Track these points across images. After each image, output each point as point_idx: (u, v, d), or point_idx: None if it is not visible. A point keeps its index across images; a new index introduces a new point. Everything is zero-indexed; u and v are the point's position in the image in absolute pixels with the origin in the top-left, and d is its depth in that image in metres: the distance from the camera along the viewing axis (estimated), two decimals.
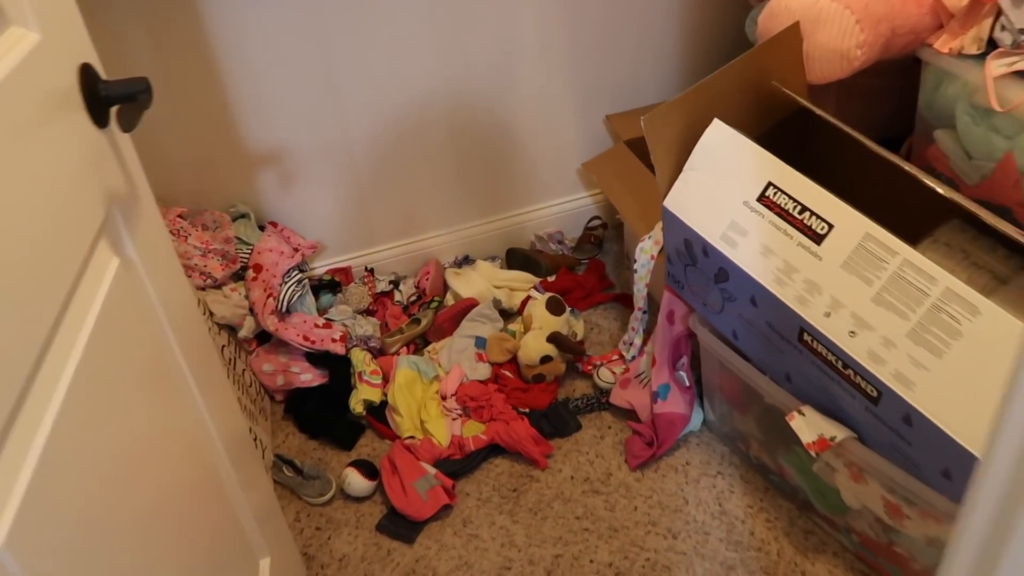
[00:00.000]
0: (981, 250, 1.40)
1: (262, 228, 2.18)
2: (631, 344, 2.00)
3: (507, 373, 2.03)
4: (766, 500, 1.72)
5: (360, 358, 2.06)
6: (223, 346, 1.95)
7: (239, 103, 1.98)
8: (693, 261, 1.57)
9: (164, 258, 1.07)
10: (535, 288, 2.14)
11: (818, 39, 1.58)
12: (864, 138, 1.46)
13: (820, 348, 1.33)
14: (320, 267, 2.34)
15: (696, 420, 1.86)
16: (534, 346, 1.99)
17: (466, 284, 2.27)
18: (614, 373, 2.00)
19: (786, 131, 1.62)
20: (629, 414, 1.92)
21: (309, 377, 2.05)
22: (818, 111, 1.54)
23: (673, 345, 1.85)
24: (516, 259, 2.44)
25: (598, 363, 2.05)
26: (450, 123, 2.19)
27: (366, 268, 2.37)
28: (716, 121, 1.46)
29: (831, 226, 1.30)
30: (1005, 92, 1.47)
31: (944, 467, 1.21)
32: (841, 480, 1.45)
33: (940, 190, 1.33)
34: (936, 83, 1.65)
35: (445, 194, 2.34)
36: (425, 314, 2.19)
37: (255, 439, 1.88)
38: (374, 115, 2.10)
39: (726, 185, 1.45)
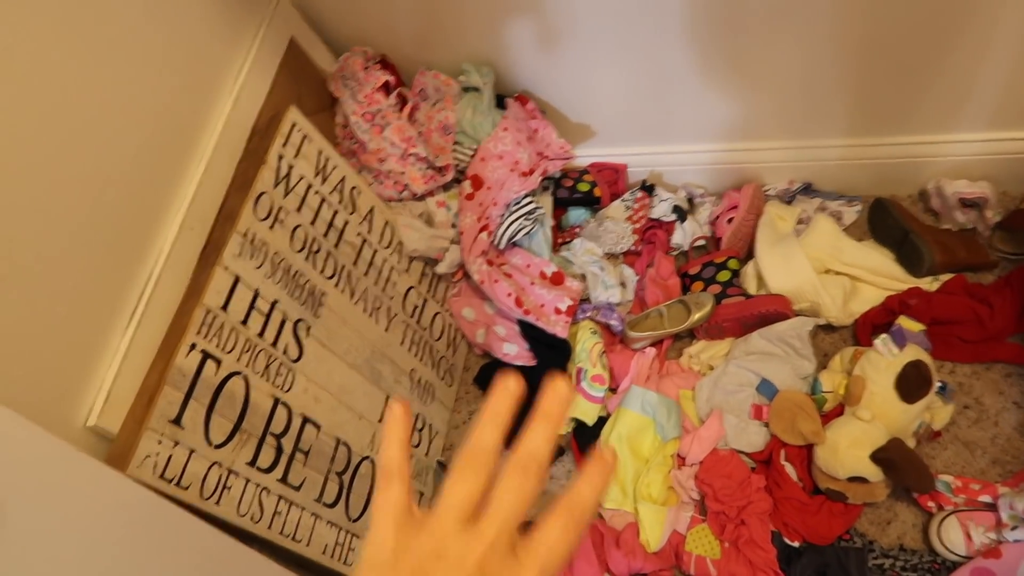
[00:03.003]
0: None
1: (500, 104, 1.45)
2: (1023, 520, 1.13)
3: (787, 466, 1.28)
4: None
5: (587, 347, 1.42)
6: (409, 288, 1.42)
7: None
8: None
9: None
10: (889, 334, 1.25)
11: None
12: None
13: None
14: (583, 156, 1.60)
15: None
16: (845, 458, 1.20)
17: (781, 265, 1.42)
18: (969, 540, 1.18)
19: None
20: None
21: (513, 350, 1.47)
22: None
23: None
24: (885, 228, 1.48)
25: (948, 508, 1.22)
26: None
27: (643, 185, 1.57)
28: None
29: None
30: None
31: None
32: None
33: None
34: None
35: (805, 89, 1.37)
36: (700, 301, 1.42)
37: (420, 428, 1.42)
38: None
39: None
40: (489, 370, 1.52)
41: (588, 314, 1.48)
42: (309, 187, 1.23)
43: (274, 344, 1.14)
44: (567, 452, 1.44)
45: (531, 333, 1.44)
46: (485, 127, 1.42)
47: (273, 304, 1.14)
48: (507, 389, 0.39)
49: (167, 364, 0.97)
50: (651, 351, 1.44)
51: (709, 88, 1.38)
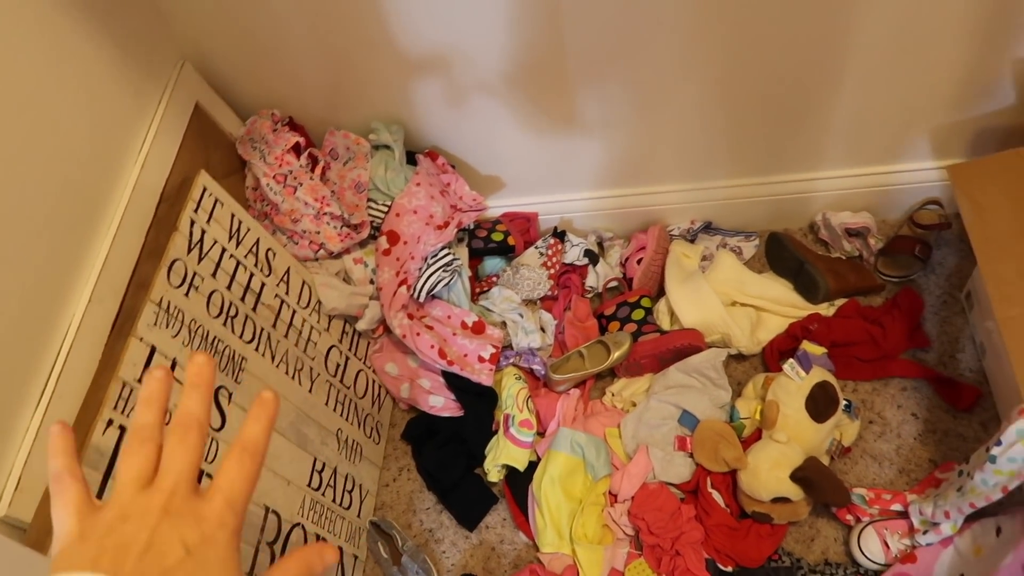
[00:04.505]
0: None
1: (411, 160, 1.48)
2: (934, 525, 1.20)
3: (714, 493, 1.33)
4: None
5: (512, 393, 1.44)
6: (330, 348, 1.40)
7: None
8: None
9: None
10: (795, 358, 1.33)
11: None
12: None
13: None
14: (495, 207, 1.64)
15: None
16: (767, 480, 1.25)
17: (691, 300, 1.49)
18: (887, 548, 1.25)
19: None
20: None
21: (440, 402, 1.47)
22: None
23: None
24: (782, 260, 1.58)
25: (864, 518, 1.29)
26: (733, 28, 1.23)
27: (555, 232, 1.63)
28: None
29: None
30: None
31: None
32: None
33: None
34: None
35: (700, 134, 1.46)
36: (618, 340, 1.47)
37: (350, 489, 1.39)
38: (602, 18, 1.22)
39: None
40: (417, 424, 1.51)
41: (511, 360, 1.50)
42: (223, 251, 1.21)
43: None
44: (501, 500, 1.43)
45: (456, 383, 1.45)
46: (398, 183, 1.44)
47: None
48: (153, 376, 0.43)
49: (83, 443, 0.93)
50: (575, 392, 1.47)
51: (610, 137, 1.45)
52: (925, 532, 1.21)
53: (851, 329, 1.45)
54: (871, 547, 1.25)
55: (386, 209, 1.44)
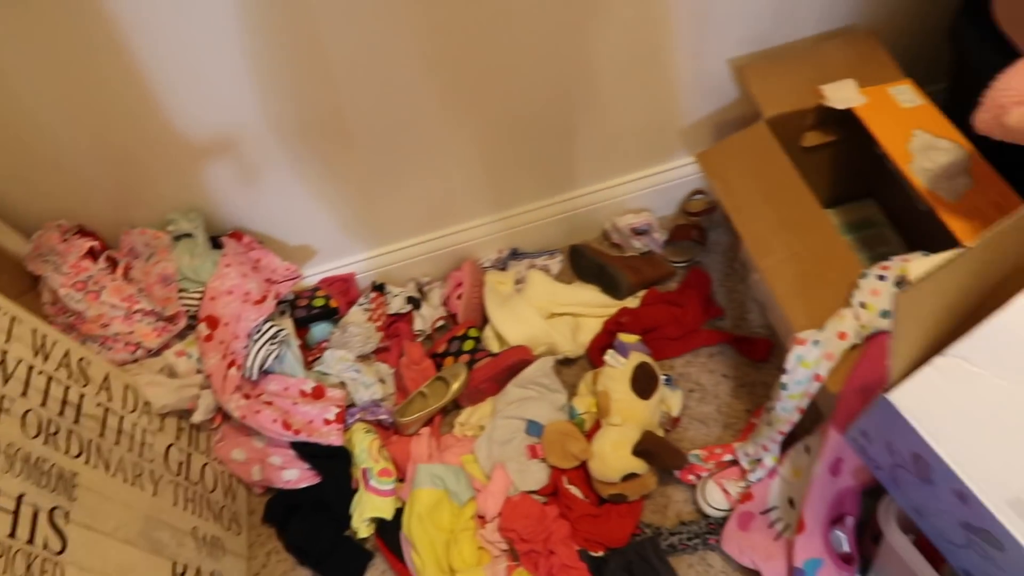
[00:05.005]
0: None
1: (216, 244, 1.49)
2: (759, 462, 1.35)
3: (572, 488, 1.42)
4: None
5: (364, 446, 1.46)
6: (168, 446, 1.36)
7: (159, 72, 1.21)
8: (923, 479, 0.90)
9: None
10: (613, 348, 1.46)
11: None
12: None
13: None
14: (311, 275, 1.67)
15: None
16: (613, 461, 1.36)
17: (512, 320, 1.60)
18: (727, 494, 1.38)
19: None
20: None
21: (294, 475, 1.46)
22: None
23: (834, 503, 1.21)
24: (585, 268, 1.73)
25: (703, 474, 1.42)
26: (487, 69, 1.37)
27: (373, 285, 1.69)
28: None
29: None
30: None
31: None
32: None
33: None
34: None
35: (485, 171, 1.59)
36: (455, 372, 1.54)
37: None
38: (370, 75, 1.31)
39: None
40: (276, 504, 1.49)
41: (357, 417, 1.52)
42: (31, 368, 1.16)
43: (30, 541, 1.04)
44: (377, 554, 1.44)
45: (307, 451, 1.45)
46: (206, 268, 1.44)
47: (19, 499, 1.04)
48: None
49: None
50: (426, 431, 1.52)
51: (405, 187, 1.54)
52: (754, 471, 1.36)
53: (656, 314, 1.61)
54: (715, 497, 1.38)
55: (199, 296, 1.44)
